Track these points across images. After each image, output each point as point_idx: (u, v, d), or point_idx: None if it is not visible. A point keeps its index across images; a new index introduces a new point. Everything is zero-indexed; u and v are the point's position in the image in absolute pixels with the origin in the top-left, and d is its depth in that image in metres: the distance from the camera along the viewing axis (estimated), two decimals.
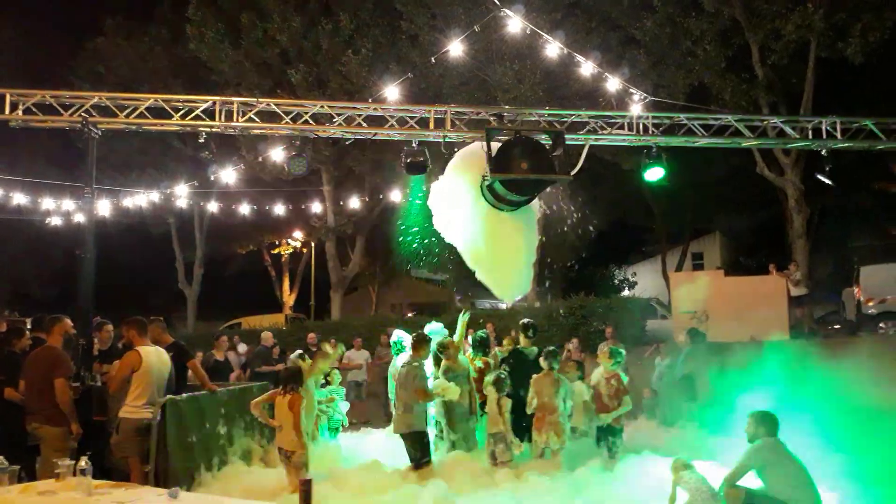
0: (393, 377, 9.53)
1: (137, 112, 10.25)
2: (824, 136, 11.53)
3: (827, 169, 11.91)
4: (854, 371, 9.63)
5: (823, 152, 11.80)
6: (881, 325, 16.45)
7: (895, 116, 11.76)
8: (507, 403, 8.27)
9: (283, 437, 7.33)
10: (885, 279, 17.24)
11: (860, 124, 11.58)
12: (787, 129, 11.68)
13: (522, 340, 9.37)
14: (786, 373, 9.59)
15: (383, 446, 9.94)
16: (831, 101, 18.13)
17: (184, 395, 7.43)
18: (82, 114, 9.99)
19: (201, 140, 10.38)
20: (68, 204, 15.37)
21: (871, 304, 17.03)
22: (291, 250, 34.58)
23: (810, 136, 11.68)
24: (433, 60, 14.14)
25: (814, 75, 19.34)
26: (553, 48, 12.12)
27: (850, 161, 16.89)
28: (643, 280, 33.35)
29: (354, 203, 22.00)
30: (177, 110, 10.37)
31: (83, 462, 4.75)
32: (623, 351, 9.38)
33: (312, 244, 32.19)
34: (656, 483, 7.10)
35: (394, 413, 8.32)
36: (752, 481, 6.17)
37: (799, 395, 8.26)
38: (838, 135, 11.52)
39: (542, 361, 8.52)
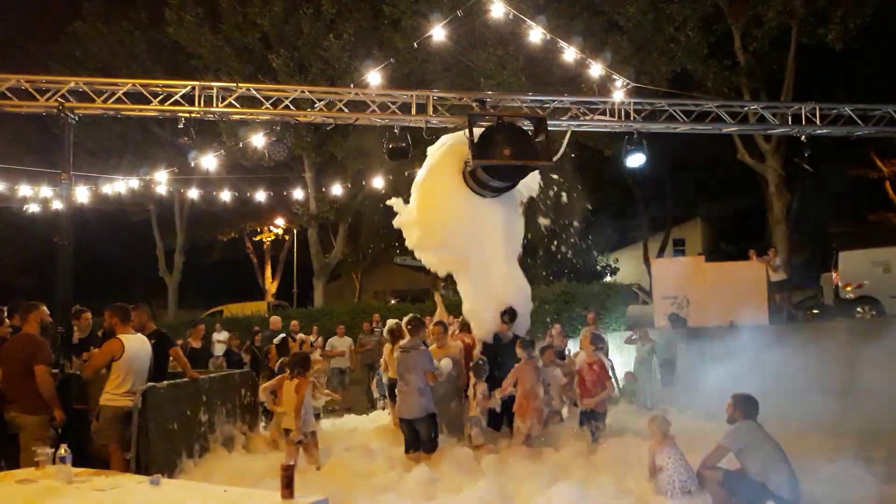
0: None
1: (115, 97, 10.10)
2: (804, 122, 11.61)
3: (806, 155, 12.03)
4: (830, 355, 9.78)
5: (803, 138, 11.91)
6: (858, 309, 16.65)
7: (874, 103, 11.87)
8: (483, 388, 8.36)
9: (288, 418, 7.66)
10: (863, 265, 17.45)
11: (839, 110, 11.67)
12: (767, 116, 11.75)
13: (500, 325, 9.41)
14: (765, 357, 9.72)
15: (367, 432, 9.98)
16: (812, 87, 18.26)
17: (164, 382, 7.39)
18: (59, 99, 9.84)
19: (181, 126, 10.25)
20: (46, 191, 15.16)
21: (848, 289, 17.24)
22: (273, 237, 34.40)
23: (790, 123, 11.76)
24: (416, 45, 14.05)
25: (794, 62, 19.48)
26: (536, 34, 12.08)
27: (829, 147, 17.05)
28: (625, 266, 33.52)
29: (336, 190, 21.86)
30: (155, 95, 10.23)
31: (63, 450, 4.71)
32: (605, 337, 9.47)
33: (294, 231, 32.03)
34: (638, 466, 7.18)
35: (399, 398, 8.32)
36: (729, 462, 6.26)
37: (776, 378, 8.34)
38: (817, 121, 11.61)
39: (518, 351, 8.60)
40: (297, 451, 7.65)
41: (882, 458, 7.64)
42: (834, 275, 17.96)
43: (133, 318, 7.33)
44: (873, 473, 7.04)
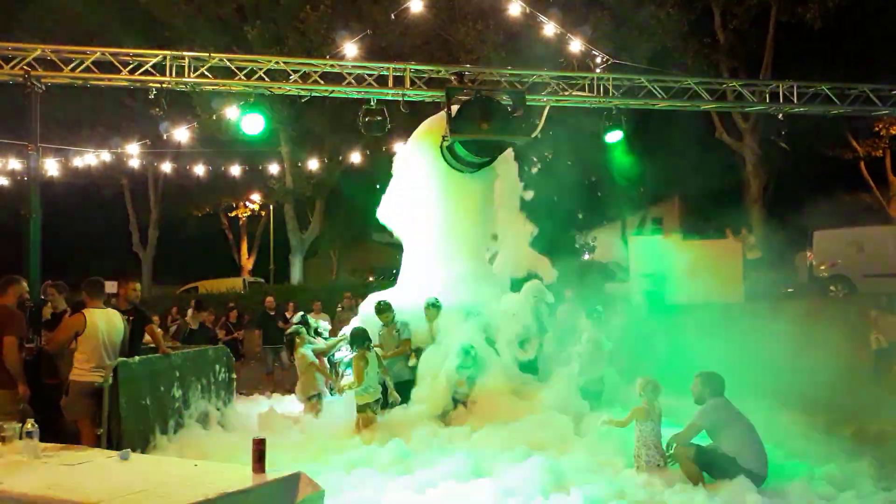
0: None
1: (83, 66, 9.84)
2: (781, 100, 11.64)
3: (783, 133, 12.11)
4: (803, 332, 9.89)
5: (780, 116, 11.95)
6: (831, 288, 16.89)
7: (851, 82, 11.92)
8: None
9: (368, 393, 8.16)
10: (836, 244, 17.68)
11: (816, 89, 11.71)
12: (745, 93, 11.77)
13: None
14: (739, 333, 9.82)
15: (343, 409, 9.92)
16: (790, 66, 18.31)
17: (136, 357, 7.29)
18: (24, 67, 9.56)
19: (151, 96, 10.02)
20: (13, 163, 14.84)
21: (822, 267, 17.47)
22: (249, 213, 34.03)
23: (767, 101, 11.79)
24: (393, 17, 13.85)
25: (774, 40, 19.51)
26: (516, 7, 11.97)
27: (806, 127, 17.13)
28: (603, 244, 33.63)
29: (313, 164, 21.60)
30: (126, 65, 9.98)
31: (29, 424, 4.61)
32: (601, 309, 9.49)
33: (271, 207, 31.68)
34: (615, 444, 7.16)
35: None
36: (699, 438, 6.31)
37: (749, 354, 8.40)
38: (795, 99, 11.64)
39: None
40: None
41: (850, 435, 7.79)
42: (808, 254, 18.18)
43: (122, 293, 7.60)
44: (842, 450, 7.18)
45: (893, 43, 19.28)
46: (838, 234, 18.02)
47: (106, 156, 16.03)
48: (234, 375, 9.27)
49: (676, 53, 19.45)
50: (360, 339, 8.37)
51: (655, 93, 11.30)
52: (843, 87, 11.79)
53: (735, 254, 15.44)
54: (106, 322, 6.86)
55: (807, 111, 11.94)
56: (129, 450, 4.63)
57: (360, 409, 8.18)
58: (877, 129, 23.70)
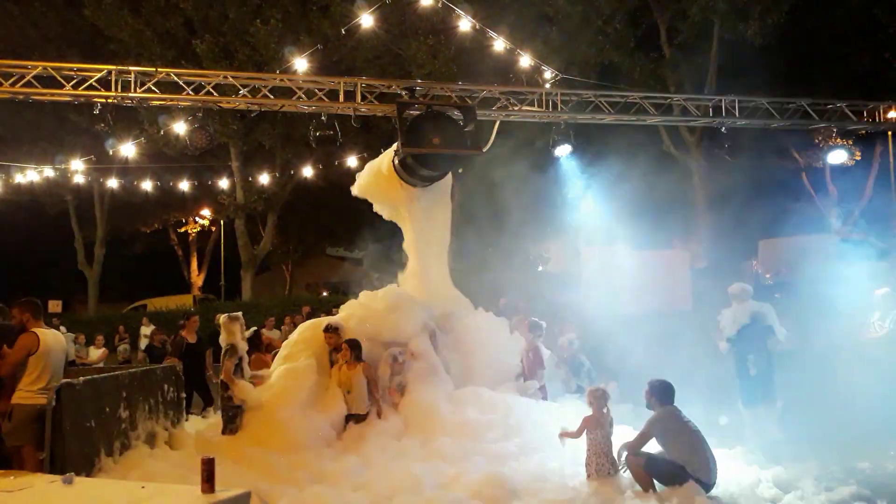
0: None
1: (24, 81, 9.60)
2: (724, 114, 12.00)
3: (726, 145, 12.47)
4: None
5: (723, 129, 12.32)
6: (776, 294, 17.35)
7: (789, 97, 12.35)
8: None
9: (359, 403, 8.08)
10: (781, 252, 18.21)
11: (757, 103, 12.11)
12: (690, 107, 12.09)
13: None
14: (689, 342, 10.01)
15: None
16: (733, 81, 18.84)
17: (81, 378, 7.09)
18: None
19: (96, 112, 9.81)
20: None
21: (768, 275, 17.96)
22: (199, 229, 33.49)
23: (711, 114, 12.13)
24: (343, 32, 13.85)
25: (717, 56, 20.09)
26: (466, 23, 12.11)
27: (750, 138, 17.65)
28: (556, 255, 33.94)
29: (264, 179, 21.41)
30: (69, 80, 9.77)
31: None
32: (543, 324, 9.63)
33: (221, 222, 31.23)
34: (558, 451, 7.24)
35: None
36: (649, 446, 6.43)
37: (698, 362, 8.57)
38: (737, 113, 12.01)
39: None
40: None
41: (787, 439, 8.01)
42: (754, 262, 18.70)
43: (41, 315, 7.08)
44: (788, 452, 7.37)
45: (829, 59, 20.05)
46: (782, 241, 18.58)
47: (49, 172, 15.58)
48: (185, 394, 9.08)
49: (624, 68, 19.87)
50: (359, 349, 8.26)
51: (602, 107, 11.53)
52: (782, 102, 12.22)
53: (683, 263, 15.78)
54: (55, 342, 6.71)
55: (748, 124, 12.33)
56: (72, 473, 4.54)
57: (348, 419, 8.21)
58: (816, 141, 24.46)
